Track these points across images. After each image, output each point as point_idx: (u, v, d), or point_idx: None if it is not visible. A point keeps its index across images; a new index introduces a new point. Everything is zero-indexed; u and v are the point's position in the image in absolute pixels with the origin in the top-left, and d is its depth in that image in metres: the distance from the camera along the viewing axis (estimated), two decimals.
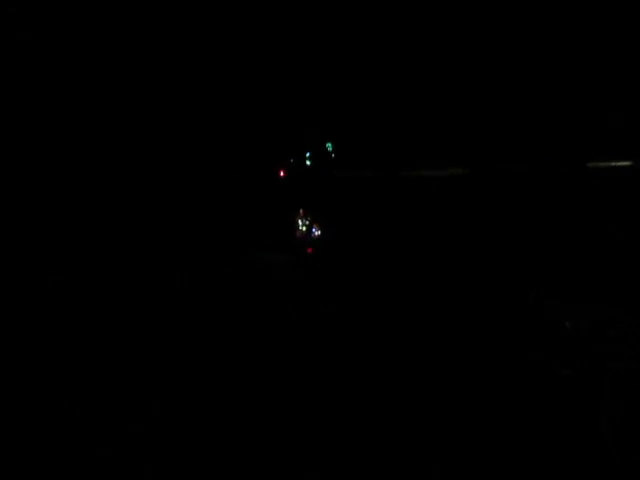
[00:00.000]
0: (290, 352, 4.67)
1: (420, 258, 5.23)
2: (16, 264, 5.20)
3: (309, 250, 5.09)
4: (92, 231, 5.31)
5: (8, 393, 4.34)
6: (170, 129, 5.30)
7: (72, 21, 5.26)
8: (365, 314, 5.04)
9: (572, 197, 4.97)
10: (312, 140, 5.29)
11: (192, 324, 4.98)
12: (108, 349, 4.77)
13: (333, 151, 5.25)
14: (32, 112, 5.33)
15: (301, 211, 5.01)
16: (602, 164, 5.00)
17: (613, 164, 4.96)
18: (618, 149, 4.89)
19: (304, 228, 4.96)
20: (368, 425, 3.98)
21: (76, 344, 4.84)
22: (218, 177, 5.41)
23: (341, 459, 3.73)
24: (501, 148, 5.06)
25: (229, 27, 5.19)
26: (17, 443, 3.92)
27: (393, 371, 4.48)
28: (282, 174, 5.25)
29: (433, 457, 3.70)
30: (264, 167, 5.36)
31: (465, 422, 3.88)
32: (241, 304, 5.10)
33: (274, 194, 5.32)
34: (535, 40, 4.90)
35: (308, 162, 5.11)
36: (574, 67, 4.88)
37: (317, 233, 4.96)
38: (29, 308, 5.05)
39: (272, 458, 3.77)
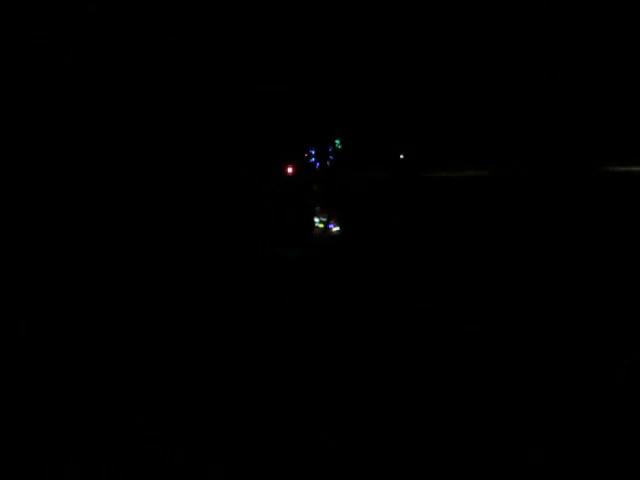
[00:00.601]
0: (300, 346, 4.57)
1: (439, 259, 5.18)
2: (18, 263, 5.05)
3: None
4: (118, 228, 5.21)
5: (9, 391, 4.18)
6: (183, 129, 5.18)
7: (73, 21, 5.11)
8: (383, 311, 4.99)
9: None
10: (321, 137, 5.21)
11: (205, 318, 4.91)
12: (121, 344, 4.68)
13: (342, 148, 5.18)
14: (33, 112, 5.18)
15: (318, 208, 4.91)
16: None
17: None
18: None
19: (322, 225, 4.86)
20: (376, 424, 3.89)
21: (90, 338, 4.75)
22: (230, 175, 5.29)
23: (342, 456, 3.62)
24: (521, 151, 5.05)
25: (241, 25, 5.09)
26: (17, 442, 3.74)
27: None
28: (290, 171, 5.15)
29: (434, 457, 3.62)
30: (273, 164, 5.25)
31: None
32: (256, 298, 5.02)
33: (284, 191, 5.21)
34: (553, 48, 4.93)
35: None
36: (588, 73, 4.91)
37: (335, 229, 4.85)
38: (30, 306, 4.94)
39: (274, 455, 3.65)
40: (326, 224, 5.02)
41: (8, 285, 5.11)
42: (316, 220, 5.03)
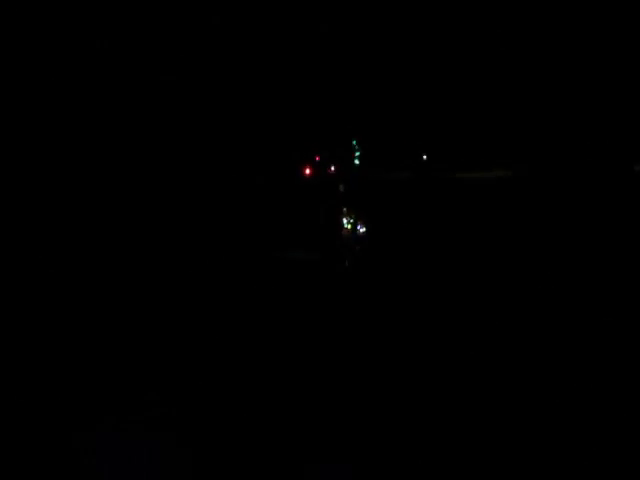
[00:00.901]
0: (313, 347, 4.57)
1: (462, 259, 5.21)
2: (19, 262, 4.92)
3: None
4: (137, 230, 5.10)
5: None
6: (201, 131, 5.10)
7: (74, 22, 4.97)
8: (406, 314, 5.00)
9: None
10: (338, 139, 5.24)
11: (217, 319, 4.85)
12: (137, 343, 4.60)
13: (359, 148, 5.22)
14: (34, 113, 5.02)
15: (345, 209, 4.94)
16: None
17: None
18: None
19: (349, 226, 4.90)
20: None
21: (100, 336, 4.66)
22: (246, 178, 5.23)
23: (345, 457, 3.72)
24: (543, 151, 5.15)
25: (256, 24, 5.06)
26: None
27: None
28: (308, 172, 5.16)
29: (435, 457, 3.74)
30: (289, 166, 5.24)
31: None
32: (270, 300, 4.96)
33: (300, 193, 5.20)
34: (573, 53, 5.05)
35: (357, 161, 5.07)
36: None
37: (362, 230, 4.91)
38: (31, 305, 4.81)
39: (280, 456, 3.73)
40: (354, 225, 5.06)
41: (8, 285, 4.91)
42: (344, 221, 5.06)
